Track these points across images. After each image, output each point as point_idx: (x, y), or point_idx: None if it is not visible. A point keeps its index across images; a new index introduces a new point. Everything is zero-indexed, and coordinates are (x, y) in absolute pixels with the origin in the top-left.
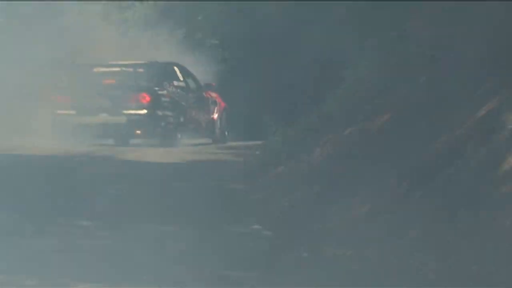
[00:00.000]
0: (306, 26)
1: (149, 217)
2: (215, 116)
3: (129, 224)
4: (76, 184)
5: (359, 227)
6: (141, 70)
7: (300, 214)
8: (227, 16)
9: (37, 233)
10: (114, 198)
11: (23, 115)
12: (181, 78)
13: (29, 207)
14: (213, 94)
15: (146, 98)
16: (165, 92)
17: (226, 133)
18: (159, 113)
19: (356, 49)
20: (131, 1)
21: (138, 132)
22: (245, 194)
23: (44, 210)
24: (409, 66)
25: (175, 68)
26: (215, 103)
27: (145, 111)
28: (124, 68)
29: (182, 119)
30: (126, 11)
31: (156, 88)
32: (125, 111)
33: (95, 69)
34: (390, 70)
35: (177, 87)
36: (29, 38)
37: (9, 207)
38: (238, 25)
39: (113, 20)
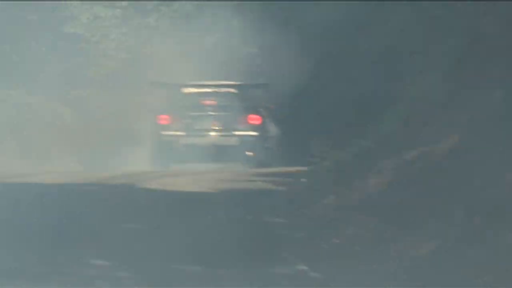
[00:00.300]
0: (360, 31)
1: (175, 256)
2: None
3: (151, 263)
4: (94, 215)
5: (423, 268)
6: (235, 90)
7: (353, 253)
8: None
9: (42, 277)
10: (134, 233)
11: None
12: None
13: (34, 243)
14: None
15: (257, 120)
16: (269, 113)
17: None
18: (268, 134)
19: (419, 58)
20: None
21: (250, 153)
22: (289, 229)
23: (53, 246)
24: (482, 77)
25: (266, 88)
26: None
27: (256, 132)
28: (216, 89)
29: (279, 140)
30: (149, 15)
31: (263, 109)
32: (237, 133)
33: (185, 90)
34: (459, 83)
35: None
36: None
37: (17, 237)
38: (283, 35)
39: (134, 25)
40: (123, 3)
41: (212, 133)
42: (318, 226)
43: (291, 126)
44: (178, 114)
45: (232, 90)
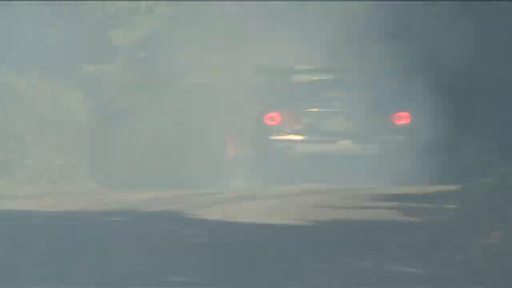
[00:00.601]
0: None
1: None
2: None
3: None
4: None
5: None
6: (366, 77)
7: None
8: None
9: None
10: None
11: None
12: None
13: None
14: None
15: (407, 119)
16: (420, 110)
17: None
18: (420, 138)
19: None
20: None
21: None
22: (430, 280)
23: None
24: None
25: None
26: None
27: (403, 136)
28: (344, 75)
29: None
30: None
31: (413, 104)
32: (379, 137)
33: (296, 77)
34: None
35: None
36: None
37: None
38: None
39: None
40: None
41: (343, 139)
42: (478, 278)
43: (437, 127)
44: (293, 111)
45: (364, 77)
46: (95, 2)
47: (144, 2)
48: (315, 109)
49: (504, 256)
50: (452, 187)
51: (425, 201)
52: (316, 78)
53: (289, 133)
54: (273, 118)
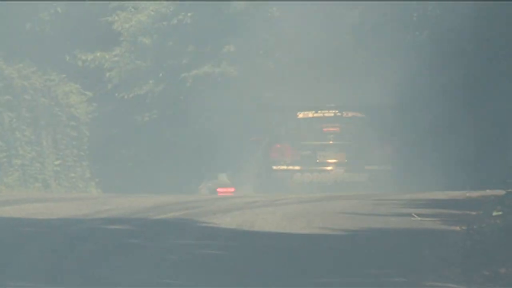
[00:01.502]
0: None
1: None
2: None
3: None
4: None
5: None
6: (360, 115)
7: None
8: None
9: None
10: None
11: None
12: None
13: None
14: None
15: (391, 150)
16: (406, 140)
17: None
18: (401, 166)
19: None
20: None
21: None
22: None
23: None
24: None
25: (389, 111)
26: None
27: (390, 166)
28: (339, 112)
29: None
30: None
31: (398, 136)
32: (368, 167)
33: (301, 114)
34: None
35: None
36: None
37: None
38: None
39: None
40: None
41: (336, 168)
42: None
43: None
44: (293, 144)
45: (358, 113)
46: None
47: None
48: (313, 143)
49: None
50: (494, 193)
51: (465, 207)
52: (315, 115)
53: (289, 163)
54: (277, 150)
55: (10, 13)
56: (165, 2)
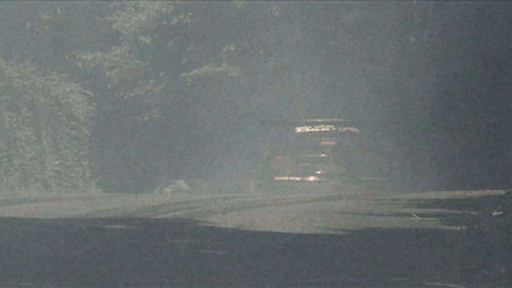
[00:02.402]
0: None
1: None
2: None
3: None
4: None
5: None
6: (354, 129)
7: None
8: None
9: None
10: None
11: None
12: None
13: None
14: None
15: (384, 161)
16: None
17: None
18: (394, 175)
19: None
20: None
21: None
22: None
23: None
24: None
25: (382, 124)
26: None
27: (385, 176)
28: (333, 128)
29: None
30: None
31: (391, 149)
32: (364, 178)
33: (299, 129)
34: None
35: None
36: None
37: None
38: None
39: None
40: None
41: (334, 179)
42: None
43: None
44: (293, 156)
45: (352, 128)
46: None
47: None
48: (311, 155)
49: None
50: (493, 192)
51: (466, 206)
52: (313, 129)
53: (290, 174)
54: (278, 162)
55: (10, 13)
56: (165, 1)
